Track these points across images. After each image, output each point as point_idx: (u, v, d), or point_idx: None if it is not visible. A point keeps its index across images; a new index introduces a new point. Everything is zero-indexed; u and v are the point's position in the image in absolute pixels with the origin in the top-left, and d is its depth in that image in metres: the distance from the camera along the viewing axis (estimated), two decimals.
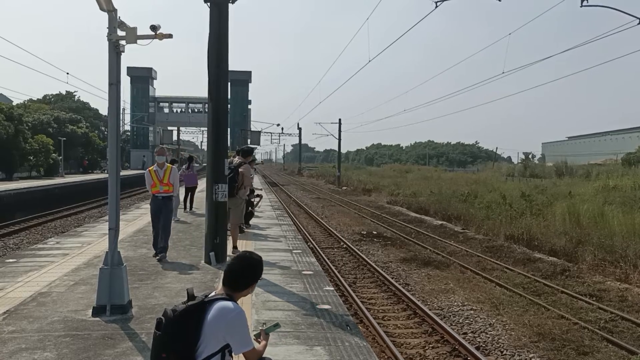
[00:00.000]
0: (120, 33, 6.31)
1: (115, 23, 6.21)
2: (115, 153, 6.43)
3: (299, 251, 11.35)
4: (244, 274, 3.48)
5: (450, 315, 9.57)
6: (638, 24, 11.25)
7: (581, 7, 9.68)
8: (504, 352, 7.79)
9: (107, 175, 6.58)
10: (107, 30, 6.24)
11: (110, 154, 6.48)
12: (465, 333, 8.62)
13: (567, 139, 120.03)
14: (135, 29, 6.35)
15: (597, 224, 16.19)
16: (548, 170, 54.38)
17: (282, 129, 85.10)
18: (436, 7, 12.74)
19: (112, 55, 6.33)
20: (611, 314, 9.49)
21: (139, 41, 6.40)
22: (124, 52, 6.42)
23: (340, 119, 59.78)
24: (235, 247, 10.41)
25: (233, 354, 3.41)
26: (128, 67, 75.68)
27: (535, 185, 32.90)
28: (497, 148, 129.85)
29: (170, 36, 6.36)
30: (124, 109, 74.48)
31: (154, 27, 6.23)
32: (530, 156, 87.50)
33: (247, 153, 10.39)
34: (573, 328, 8.69)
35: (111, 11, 6.12)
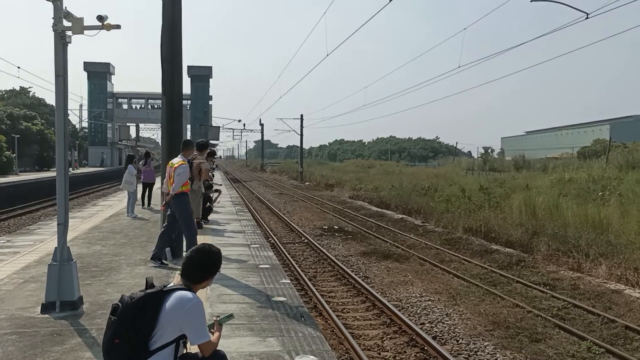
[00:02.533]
0: (66, 23, 6.12)
1: (60, 13, 6.02)
2: (63, 147, 6.25)
3: (257, 246, 11.29)
4: (202, 266, 3.46)
5: (408, 307, 9.66)
6: (586, 18, 11.52)
7: (531, 1, 9.84)
8: (460, 341, 7.90)
9: None
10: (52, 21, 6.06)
11: (58, 148, 6.30)
12: (422, 323, 8.72)
13: (525, 133, 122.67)
14: (82, 19, 6.18)
15: (552, 215, 16.58)
16: (507, 164, 55.51)
17: (244, 125, 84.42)
18: (390, 1, 12.78)
19: (58, 47, 6.14)
20: (564, 302, 9.72)
21: (86, 32, 6.24)
22: (70, 43, 6.23)
23: (302, 115, 59.76)
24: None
25: (189, 344, 3.37)
26: (85, 62, 74.04)
27: (494, 178, 33.50)
28: (457, 143, 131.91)
29: (118, 27, 6.21)
30: (81, 105, 72.92)
31: (101, 18, 6.07)
32: (489, 151, 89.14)
33: (202, 147, 10.05)
34: (527, 316, 8.87)
35: (56, 0, 5.93)
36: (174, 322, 3.20)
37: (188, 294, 3.28)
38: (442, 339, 8.02)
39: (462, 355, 7.37)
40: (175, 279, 3.49)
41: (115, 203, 20.36)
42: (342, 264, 12.99)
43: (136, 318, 3.18)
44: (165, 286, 3.32)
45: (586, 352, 7.40)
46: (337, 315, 8.88)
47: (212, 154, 12.95)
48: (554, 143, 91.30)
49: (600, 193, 19.73)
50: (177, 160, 9.10)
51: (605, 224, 14.48)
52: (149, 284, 3.34)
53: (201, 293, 6.57)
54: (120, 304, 3.24)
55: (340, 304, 9.88)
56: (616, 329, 8.30)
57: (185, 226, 9.01)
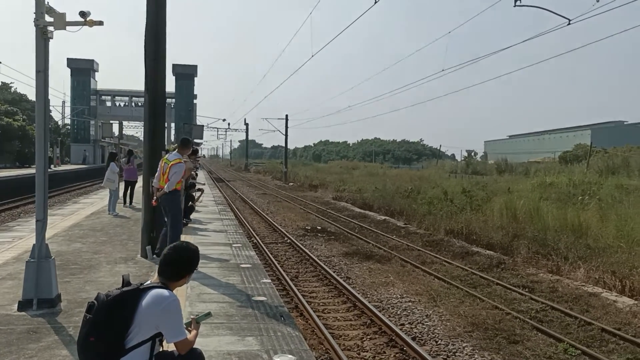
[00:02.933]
0: (48, 19, 6.08)
1: (42, 8, 5.98)
2: (43, 143, 6.20)
3: (239, 245, 11.27)
4: (179, 264, 3.45)
5: (389, 307, 9.71)
6: (568, 24, 11.67)
7: (514, 6, 9.97)
8: (439, 342, 7.96)
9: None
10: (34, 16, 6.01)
11: (38, 144, 6.25)
12: (402, 324, 8.77)
13: (508, 137, 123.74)
14: (64, 14, 6.13)
15: (533, 218, 16.75)
16: (489, 168, 55.97)
17: (229, 124, 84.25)
18: (375, 2, 12.83)
19: (39, 42, 6.09)
20: (542, 304, 9.83)
21: (68, 28, 6.19)
22: (52, 38, 6.19)
23: (287, 115, 59.75)
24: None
25: (165, 342, 3.37)
26: (68, 59, 73.13)
27: (477, 181, 33.76)
28: (441, 146, 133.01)
29: (101, 23, 6.17)
30: (64, 102, 72.15)
31: (83, 14, 6.03)
32: (472, 154, 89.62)
33: (184, 144, 9.89)
34: (506, 318, 8.96)
35: None
36: (150, 320, 3.19)
37: (165, 292, 3.28)
38: (422, 340, 8.07)
39: (441, 356, 7.43)
40: (153, 277, 3.49)
41: (96, 201, 20.20)
42: (324, 264, 13.01)
43: (112, 316, 3.17)
44: (142, 284, 3.32)
45: (563, 353, 7.50)
46: (318, 316, 8.90)
47: (195, 152, 12.85)
48: (536, 147, 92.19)
49: (580, 197, 19.96)
50: (173, 158, 9.12)
51: (584, 228, 14.68)
52: (126, 282, 3.33)
53: (181, 292, 6.56)
54: (96, 302, 3.23)
55: (321, 304, 9.90)
56: (592, 332, 8.41)
57: (173, 223, 8.98)
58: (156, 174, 9.28)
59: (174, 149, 11.96)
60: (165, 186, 8.92)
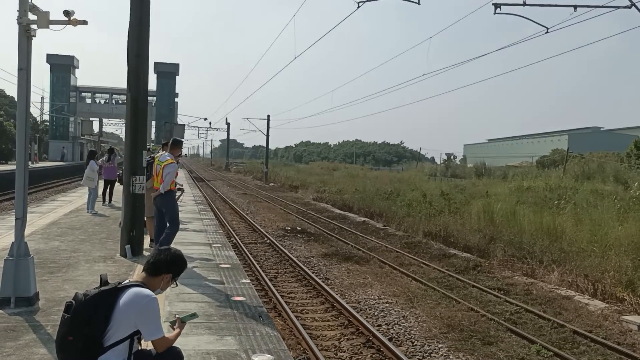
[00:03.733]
0: (32, 17, 6.08)
1: (25, 6, 5.98)
2: (24, 141, 6.20)
3: (219, 245, 11.30)
4: (168, 267, 3.54)
5: (366, 308, 9.82)
6: (546, 32, 11.91)
7: (494, 14, 10.16)
8: (415, 343, 8.08)
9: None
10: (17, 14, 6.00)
11: (19, 142, 6.24)
12: (379, 325, 8.88)
13: (487, 141, 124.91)
14: (47, 13, 6.14)
15: (509, 222, 17.00)
16: (468, 171, 56.49)
17: (210, 123, 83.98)
18: (358, 7, 12.97)
19: (22, 40, 6.08)
20: (517, 307, 10.02)
21: (52, 26, 6.20)
22: (35, 36, 6.18)
23: (268, 115, 59.72)
24: (152, 240, 10.22)
25: (143, 340, 3.42)
26: (48, 55, 72.31)
27: (456, 184, 34.10)
28: (421, 149, 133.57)
29: (85, 22, 6.19)
30: (42, 98, 71.17)
31: (67, 13, 6.04)
32: (452, 157, 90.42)
33: (176, 145, 9.96)
34: (481, 320, 9.12)
35: None
36: (128, 318, 3.24)
37: (143, 290, 3.33)
38: (398, 341, 8.19)
39: (417, 357, 7.55)
40: (135, 274, 3.54)
41: (75, 199, 20.02)
42: (304, 265, 13.09)
43: (90, 315, 3.21)
44: (120, 283, 3.37)
45: (535, 355, 7.67)
46: (296, 316, 8.98)
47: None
48: (514, 151, 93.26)
49: (556, 202, 20.28)
50: (165, 159, 9.23)
51: (559, 232, 14.94)
52: (103, 281, 3.38)
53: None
54: (73, 301, 3.27)
55: (300, 304, 9.97)
56: (565, 334, 8.60)
57: (173, 223, 9.16)
58: (150, 175, 9.50)
59: (156, 148, 11.97)
60: (160, 187, 9.15)
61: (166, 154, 9.51)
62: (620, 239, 12.75)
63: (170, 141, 9.93)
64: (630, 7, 9.62)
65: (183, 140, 10.67)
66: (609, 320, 9.41)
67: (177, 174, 9.59)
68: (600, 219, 15.02)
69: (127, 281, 3.45)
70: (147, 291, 3.35)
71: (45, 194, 29.71)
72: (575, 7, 10.41)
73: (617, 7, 10.11)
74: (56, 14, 6.23)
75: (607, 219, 14.91)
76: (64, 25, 6.18)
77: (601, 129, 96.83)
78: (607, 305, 10.25)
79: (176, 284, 3.74)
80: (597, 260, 11.93)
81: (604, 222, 14.62)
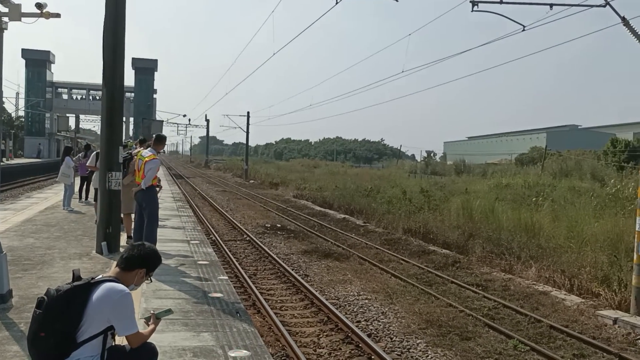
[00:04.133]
0: (3, 9, 5.95)
1: None
2: None
3: (197, 242, 11.21)
4: (142, 262, 3.49)
5: (346, 305, 9.81)
6: (522, 30, 12.00)
7: (472, 11, 10.20)
8: (394, 339, 8.09)
9: None
10: None
11: None
12: (359, 321, 8.88)
13: (467, 139, 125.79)
14: (19, 5, 6.02)
15: (488, 219, 17.13)
16: (448, 169, 56.91)
17: (189, 120, 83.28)
18: (337, 3, 12.94)
19: None
20: (494, 302, 10.08)
21: (24, 19, 6.06)
22: (6, 29, 6.05)
23: (248, 112, 59.41)
24: (129, 237, 10.10)
25: (117, 336, 3.36)
26: (23, 49, 71.06)
27: (435, 182, 34.32)
28: (401, 146, 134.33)
29: (57, 15, 6.08)
30: (17, 94, 70.02)
31: (39, 5, 5.93)
32: (432, 154, 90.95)
33: (160, 140, 9.87)
34: (459, 315, 9.16)
35: None
36: (101, 313, 3.19)
37: (117, 285, 3.28)
38: (377, 337, 8.19)
39: (395, 352, 7.56)
40: (107, 272, 3.48)
41: (51, 196, 19.73)
42: (283, 262, 13.04)
43: (62, 311, 3.15)
44: (93, 278, 3.31)
45: (512, 350, 7.72)
46: (276, 313, 8.94)
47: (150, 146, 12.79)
48: (494, 149, 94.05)
49: (534, 199, 20.50)
50: (147, 154, 9.15)
51: (537, 229, 15.09)
52: (76, 277, 3.32)
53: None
54: (45, 297, 3.20)
55: (279, 301, 9.93)
56: (541, 328, 8.68)
57: (150, 219, 9.14)
58: (130, 170, 9.43)
59: (134, 144, 11.85)
60: (142, 182, 9.10)
61: (148, 149, 9.44)
62: (597, 235, 12.92)
63: (154, 137, 9.87)
64: (604, 6, 9.72)
65: (166, 136, 10.59)
66: (584, 315, 9.52)
67: (158, 170, 9.53)
68: (577, 216, 15.22)
69: (100, 276, 3.39)
70: (120, 286, 3.29)
71: (20, 191, 29.21)
72: (551, 5, 10.49)
73: (592, 6, 10.21)
74: (29, 7, 6.12)
75: (584, 216, 15.11)
76: (37, 18, 6.05)
77: (579, 127, 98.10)
78: (583, 300, 10.36)
79: (150, 279, 3.69)
80: (574, 256, 12.07)
81: (580, 218, 14.81)
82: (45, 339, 3.14)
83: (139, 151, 10.08)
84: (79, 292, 3.21)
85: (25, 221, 12.84)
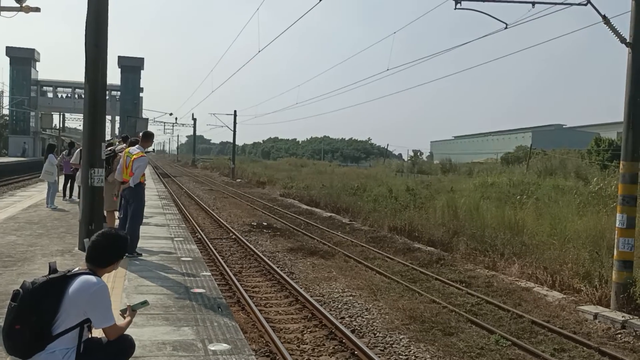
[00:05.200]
0: None
1: None
2: None
3: (181, 239, 11.19)
4: (108, 250, 3.47)
5: (330, 302, 9.83)
6: (505, 28, 12.08)
7: (455, 9, 10.27)
8: (377, 334, 8.12)
9: None
10: None
11: None
12: (342, 317, 8.90)
13: (453, 138, 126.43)
14: None
15: (472, 216, 17.22)
16: (434, 168, 57.18)
17: (176, 118, 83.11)
18: (319, 1, 12.94)
19: None
20: (477, 298, 10.16)
21: (2, 13, 6.03)
22: None
23: (235, 111, 59.34)
24: None
25: (93, 328, 3.35)
26: (7, 47, 70.46)
27: (422, 180, 34.44)
28: (388, 145, 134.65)
29: (37, 10, 6.05)
30: (2, 92, 69.37)
31: None
32: (419, 154, 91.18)
33: (147, 137, 9.82)
34: (442, 311, 9.22)
35: None
36: (78, 306, 3.18)
37: (93, 278, 3.28)
38: (361, 332, 8.22)
39: (378, 348, 7.59)
40: (82, 264, 3.47)
41: (34, 194, 19.57)
42: (269, 259, 13.03)
43: (38, 303, 3.14)
44: (69, 271, 3.30)
45: (494, 344, 7.78)
46: (260, 310, 8.93)
47: (134, 143, 12.72)
48: (480, 148, 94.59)
49: (518, 197, 20.64)
50: (135, 151, 9.13)
51: (520, 226, 15.20)
52: (52, 269, 3.31)
53: (118, 284, 6.50)
54: (21, 290, 3.20)
55: (263, 298, 9.93)
56: (523, 324, 8.75)
57: (134, 213, 9.14)
58: (117, 167, 9.38)
59: (115, 142, 11.80)
60: (130, 180, 9.11)
61: (136, 147, 9.39)
62: (579, 232, 13.04)
63: (141, 134, 9.80)
64: (586, 5, 9.81)
65: (154, 133, 10.58)
66: (566, 310, 9.61)
67: (146, 167, 9.52)
68: (560, 213, 15.34)
69: (76, 269, 3.38)
70: (96, 279, 3.29)
71: (4, 189, 28.93)
72: (533, 3, 10.58)
73: (573, 4, 10.29)
74: (8, 1, 6.07)
75: (567, 213, 15.24)
76: (16, 12, 6.01)
77: (563, 127, 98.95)
78: (564, 296, 10.47)
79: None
80: (556, 253, 12.18)
81: (563, 216, 14.93)
82: (21, 331, 3.13)
83: (126, 149, 10.03)
84: (55, 285, 3.20)
85: (8, 219, 12.74)
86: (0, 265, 7.68)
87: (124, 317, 3.55)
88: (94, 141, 9.20)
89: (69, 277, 3.25)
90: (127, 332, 3.52)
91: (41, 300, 3.15)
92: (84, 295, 3.19)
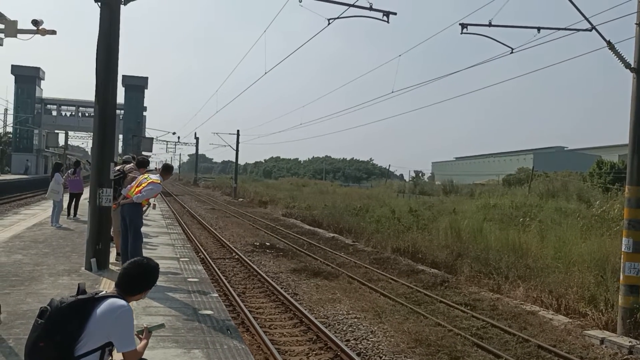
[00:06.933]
0: None
1: None
2: None
3: (187, 259, 11.19)
4: (139, 280, 3.50)
5: (335, 324, 9.80)
6: (511, 53, 12.22)
7: (461, 34, 10.41)
8: (383, 358, 8.10)
9: None
10: None
11: None
12: (348, 340, 8.88)
13: (455, 159, 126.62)
14: (15, 22, 6.09)
15: (476, 238, 17.22)
16: (436, 188, 57.13)
17: (179, 137, 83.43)
18: (329, 24, 13.14)
19: None
20: (483, 322, 10.13)
21: (19, 35, 6.13)
22: (1, 45, 6.11)
23: (238, 130, 59.62)
24: (119, 254, 10.08)
25: (115, 351, 3.37)
26: (13, 65, 70.91)
27: (424, 201, 34.43)
28: (390, 166, 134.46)
29: (54, 32, 6.13)
30: (6, 110, 69.72)
31: (35, 22, 6.00)
32: (420, 174, 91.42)
33: (167, 170, 10.15)
34: (448, 334, 9.19)
35: None
36: (102, 328, 3.20)
37: (120, 301, 3.30)
38: (366, 355, 8.20)
39: None
40: (109, 287, 3.50)
41: (39, 212, 19.60)
42: (272, 280, 13.02)
43: (64, 322, 3.16)
44: (97, 293, 3.33)
45: None
46: (265, 331, 8.92)
47: (146, 164, 12.84)
48: (481, 169, 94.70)
49: (521, 219, 20.63)
50: (155, 177, 9.27)
51: (524, 249, 15.19)
52: (81, 290, 3.34)
53: None
54: (49, 307, 3.22)
55: (268, 320, 9.91)
56: (529, 348, 8.73)
57: (134, 234, 9.12)
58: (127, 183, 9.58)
59: (122, 162, 11.92)
60: (135, 197, 9.13)
61: (157, 176, 9.55)
62: (583, 255, 13.01)
63: (162, 166, 10.23)
64: (590, 30, 9.93)
65: (173, 166, 10.88)
66: (572, 335, 9.58)
67: (156, 196, 9.71)
68: (564, 236, 15.33)
69: (104, 292, 3.41)
70: (122, 302, 3.32)
71: (7, 207, 28.95)
72: (538, 28, 10.73)
73: (578, 30, 10.43)
74: (25, 24, 6.18)
75: (571, 236, 15.22)
76: (32, 35, 6.11)
77: (565, 149, 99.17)
78: (570, 320, 10.43)
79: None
80: (561, 276, 12.16)
81: (567, 239, 14.92)
82: (44, 349, 3.15)
83: (143, 172, 10.24)
84: (83, 306, 3.22)
85: (13, 237, 12.75)
86: (8, 285, 7.68)
87: (140, 339, 3.57)
88: (103, 161, 9.26)
89: (97, 299, 3.27)
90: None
91: (68, 320, 3.17)
92: (110, 317, 3.21)
